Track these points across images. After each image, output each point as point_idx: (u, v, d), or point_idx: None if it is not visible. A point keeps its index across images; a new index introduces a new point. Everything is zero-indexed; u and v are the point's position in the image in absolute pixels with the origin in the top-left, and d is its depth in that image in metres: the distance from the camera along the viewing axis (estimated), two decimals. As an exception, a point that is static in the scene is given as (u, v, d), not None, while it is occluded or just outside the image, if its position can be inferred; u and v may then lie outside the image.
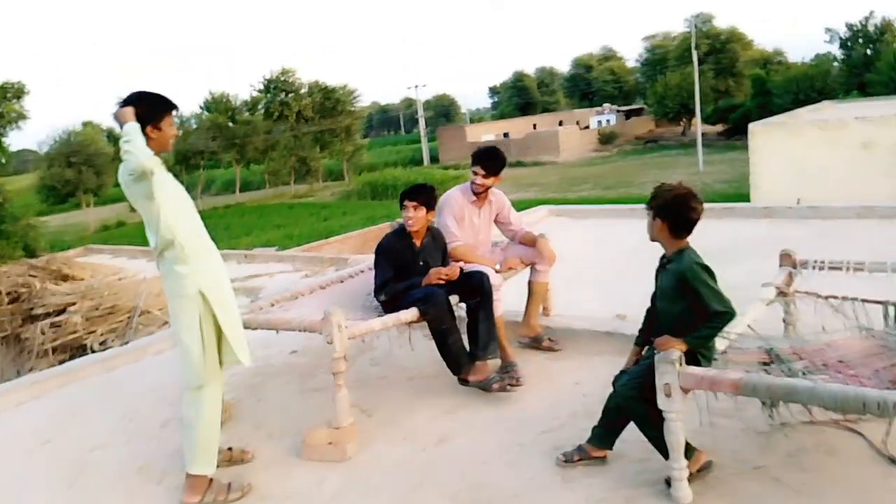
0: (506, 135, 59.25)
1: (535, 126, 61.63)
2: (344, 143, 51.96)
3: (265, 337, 4.33)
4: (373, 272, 4.01)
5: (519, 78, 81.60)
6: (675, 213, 2.74)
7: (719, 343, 2.86)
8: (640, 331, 3.01)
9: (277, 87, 51.93)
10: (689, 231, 2.75)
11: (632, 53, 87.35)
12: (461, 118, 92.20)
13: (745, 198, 14.94)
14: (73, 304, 8.60)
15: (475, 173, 4.28)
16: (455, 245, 4.18)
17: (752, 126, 14.13)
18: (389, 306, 3.77)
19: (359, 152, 54.20)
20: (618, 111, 64.41)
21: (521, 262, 4.42)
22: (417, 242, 3.92)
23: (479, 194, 4.35)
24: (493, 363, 3.85)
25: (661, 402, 2.55)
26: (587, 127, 61.12)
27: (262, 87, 52.29)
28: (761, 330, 3.61)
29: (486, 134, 59.50)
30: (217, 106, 51.64)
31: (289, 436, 3.52)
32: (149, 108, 2.80)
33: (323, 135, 51.02)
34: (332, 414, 3.26)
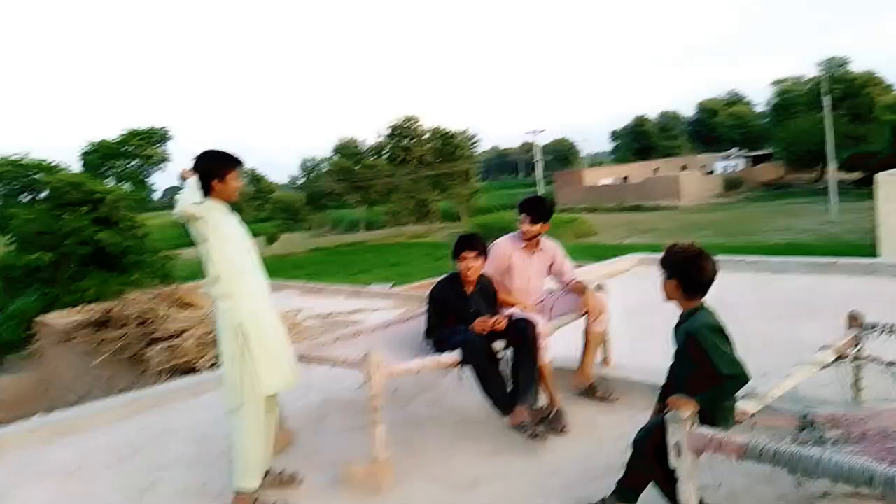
0: (625, 179, 58.25)
1: (656, 170, 60.16)
2: (461, 186, 53.16)
3: (338, 373, 4.62)
4: (430, 315, 4.20)
5: (640, 122, 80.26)
6: (685, 273, 2.75)
7: (750, 405, 2.80)
8: (663, 387, 3.00)
9: (401, 133, 54.21)
10: (702, 291, 2.75)
11: (759, 98, 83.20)
12: (579, 162, 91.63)
13: (871, 251, 13.89)
14: (189, 329, 9.37)
15: (521, 221, 4.42)
16: None
17: (878, 176, 13.19)
18: (439, 348, 3.94)
19: (475, 195, 55.21)
20: (745, 156, 61.69)
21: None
22: (468, 290, 4.09)
23: (529, 241, 4.47)
24: (535, 409, 3.90)
25: (672, 461, 2.54)
26: (711, 172, 58.92)
27: (386, 133, 54.82)
28: (821, 394, 3.48)
29: (603, 178, 58.82)
30: (345, 150, 54.60)
31: (337, 466, 3.72)
32: (213, 164, 3.22)
33: (441, 178, 52.52)
34: (371, 448, 3.45)
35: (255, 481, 3.25)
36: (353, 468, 3.48)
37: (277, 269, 33.60)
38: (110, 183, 19.51)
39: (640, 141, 78.72)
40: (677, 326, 2.85)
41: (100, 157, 19.94)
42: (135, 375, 9.85)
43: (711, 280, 2.72)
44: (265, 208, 57.23)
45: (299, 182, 57.33)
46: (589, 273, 8.97)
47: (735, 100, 78.79)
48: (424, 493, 3.40)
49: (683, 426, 2.50)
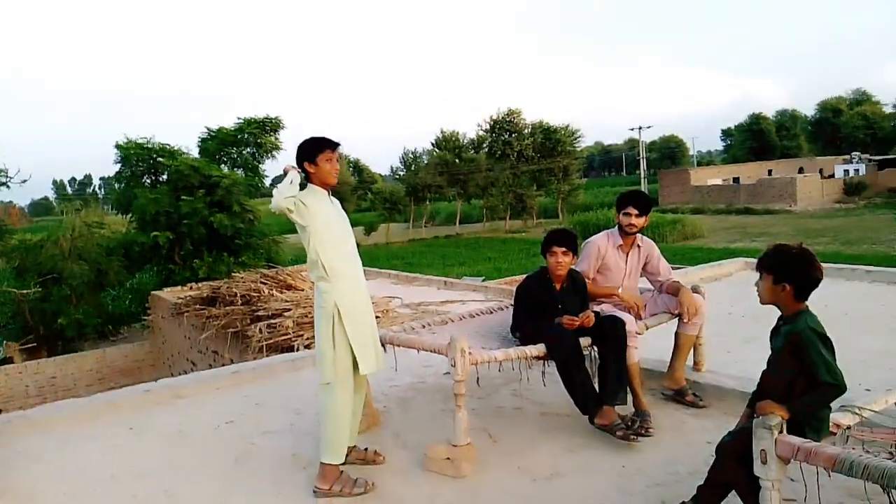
0: (735, 179, 55.62)
1: (769, 172, 57.09)
2: (561, 182, 52.49)
3: (427, 358, 4.73)
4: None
5: (755, 121, 76.23)
6: (800, 275, 2.64)
7: (846, 417, 2.67)
8: (754, 393, 2.89)
9: (502, 127, 54.09)
10: (809, 294, 2.63)
11: (890, 97, 76.77)
12: (687, 161, 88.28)
13: None
14: (289, 310, 9.82)
15: (628, 214, 4.33)
16: None
17: None
18: (525, 342, 3.96)
19: (575, 192, 54.35)
20: (869, 160, 57.41)
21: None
22: (557, 285, 4.07)
23: (629, 237, 4.39)
24: (622, 409, 3.86)
25: (757, 468, 2.45)
26: (831, 175, 55.28)
27: (487, 126, 54.83)
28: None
29: (712, 178, 56.36)
30: (446, 144, 55.11)
31: (420, 448, 3.83)
32: (306, 148, 3.38)
33: (541, 174, 52.04)
34: (453, 433, 3.52)
35: (339, 457, 3.40)
36: (436, 451, 3.56)
37: (375, 257, 34.55)
38: (225, 169, 20.58)
39: (755, 140, 74.76)
40: (775, 329, 2.75)
41: (217, 143, 21.03)
42: (238, 350, 10.43)
43: (819, 282, 2.62)
44: (367, 199, 58.75)
45: (400, 174, 58.36)
46: (689, 275, 8.70)
47: (862, 99, 73.38)
48: (504, 481, 3.44)
49: (772, 432, 2.41)
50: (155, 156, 20.05)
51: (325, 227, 3.35)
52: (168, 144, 20.30)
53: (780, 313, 2.77)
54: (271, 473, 3.70)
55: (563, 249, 4.00)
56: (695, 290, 4.40)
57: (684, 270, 9.53)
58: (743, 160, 68.69)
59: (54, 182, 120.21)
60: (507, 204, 51.15)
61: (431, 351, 3.72)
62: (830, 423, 2.60)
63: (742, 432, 2.62)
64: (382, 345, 4.01)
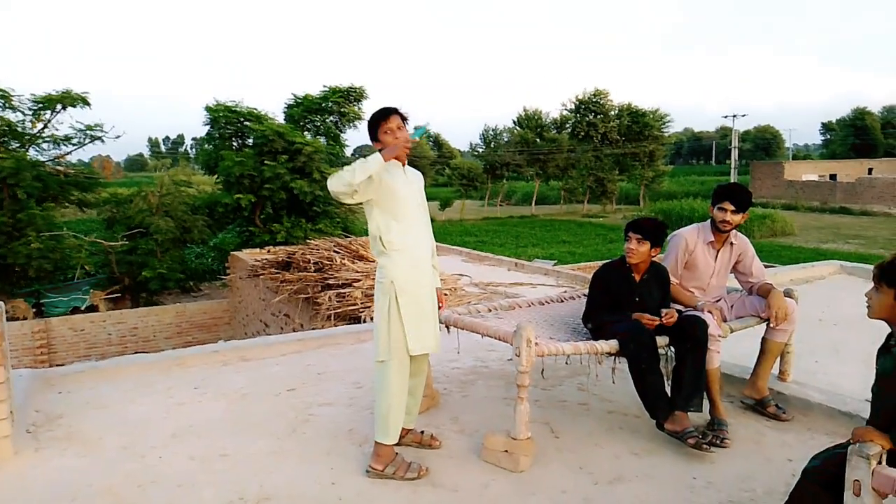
0: (832, 176, 52.55)
1: (870, 171, 53.61)
2: (645, 168, 50.92)
3: (491, 341, 4.59)
4: (592, 298, 4.00)
5: (859, 116, 71.61)
6: None
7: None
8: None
9: (587, 108, 52.76)
10: None
11: None
12: (783, 154, 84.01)
13: None
14: (358, 280, 9.87)
15: (723, 209, 4.00)
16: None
17: None
18: (597, 334, 3.75)
19: (659, 179, 52.66)
20: None
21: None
22: (637, 276, 3.83)
23: (722, 233, 4.07)
24: (696, 416, 3.61)
25: (848, 499, 2.20)
26: (941, 178, 51.37)
27: (572, 106, 53.60)
28: None
29: (807, 173, 53.45)
30: (528, 122, 54.26)
31: (478, 435, 3.70)
32: (369, 128, 3.30)
33: (625, 158, 50.60)
34: (513, 424, 3.37)
35: (393, 437, 3.30)
36: (494, 441, 3.42)
37: (448, 233, 34.55)
38: (308, 136, 20.88)
39: (858, 136, 70.30)
40: (885, 348, 2.45)
41: (302, 110, 21.32)
42: (308, 315, 10.59)
43: None
44: (444, 173, 58.60)
45: (479, 151, 57.88)
46: (779, 275, 8.19)
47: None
48: (563, 480, 3.27)
49: (869, 462, 2.16)
50: (242, 119, 20.54)
51: (391, 199, 3.23)
52: (255, 109, 20.74)
53: (889, 330, 2.47)
54: (327, 445, 3.66)
55: (639, 237, 3.74)
56: (787, 293, 4.06)
57: (774, 270, 8.98)
58: (843, 157, 64.75)
59: (149, 140, 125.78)
60: (587, 187, 50.08)
61: (496, 338, 3.57)
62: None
63: (835, 457, 2.36)
64: (446, 326, 3.89)
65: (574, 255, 27.78)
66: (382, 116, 3.27)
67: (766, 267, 4.42)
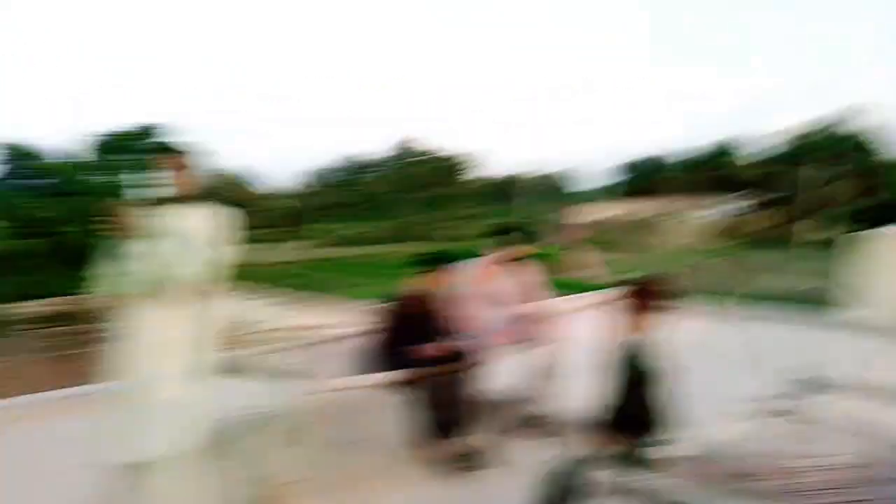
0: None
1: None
2: (450, 209, 53.43)
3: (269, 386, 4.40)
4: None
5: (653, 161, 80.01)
6: None
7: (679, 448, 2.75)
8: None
9: (400, 156, 54.33)
10: None
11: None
12: (568, 196, 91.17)
13: None
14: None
15: (503, 244, 4.49)
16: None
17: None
18: (387, 368, 3.88)
19: (462, 220, 55.30)
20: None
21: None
22: (423, 310, 4.10)
23: (501, 265, 4.46)
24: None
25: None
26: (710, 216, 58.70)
27: (382, 152, 54.93)
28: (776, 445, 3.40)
29: (594, 215, 58.60)
30: (349, 165, 53.98)
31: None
32: None
33: (437, 199, 52.65)
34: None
35: None
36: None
37: (256, 276, 32.94)
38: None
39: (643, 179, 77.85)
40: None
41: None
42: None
43: None
44: (257, 215, 56.52)
45: (296, 192, 56.86)
46: (559, 304, 8.78)
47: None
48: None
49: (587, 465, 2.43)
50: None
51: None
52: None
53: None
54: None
55: (431, 273, 4.00)
56: (550, 320, 4.44)
57: (555, 300, 9.64)
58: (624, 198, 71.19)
59: None
60: (395, 228, 51.45)
61: (280, 378, 3.54)
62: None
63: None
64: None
65: (372, 294, 27.55)
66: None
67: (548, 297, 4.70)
